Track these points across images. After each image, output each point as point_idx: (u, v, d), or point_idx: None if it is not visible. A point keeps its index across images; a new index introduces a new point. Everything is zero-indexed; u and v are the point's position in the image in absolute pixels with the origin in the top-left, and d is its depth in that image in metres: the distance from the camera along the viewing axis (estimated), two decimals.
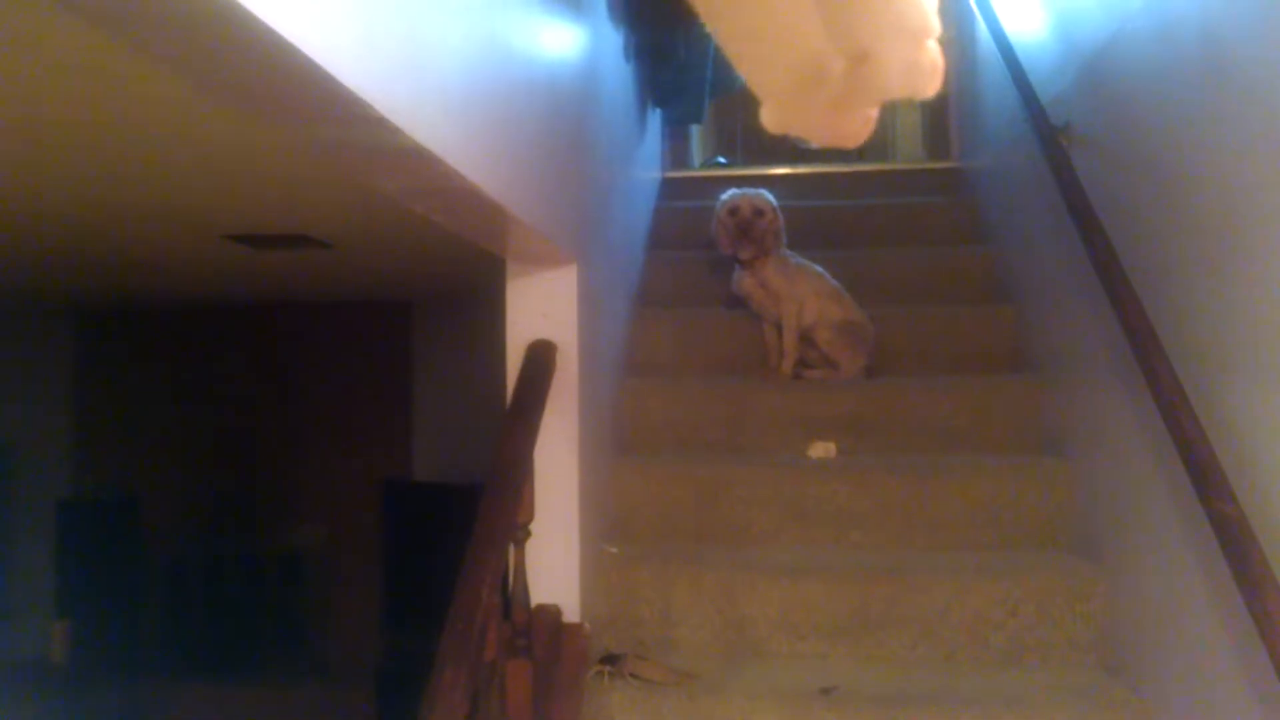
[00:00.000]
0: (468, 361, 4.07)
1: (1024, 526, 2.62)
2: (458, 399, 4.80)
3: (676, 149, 4.74)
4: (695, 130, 4.96)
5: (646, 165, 3.85)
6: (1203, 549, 1.77)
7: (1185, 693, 1.92)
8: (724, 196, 3.24)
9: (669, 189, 4.24)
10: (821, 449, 2.85)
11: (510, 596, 2.05)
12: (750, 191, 3.21)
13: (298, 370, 5.07)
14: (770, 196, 3.22)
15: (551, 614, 2.22)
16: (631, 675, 2.18)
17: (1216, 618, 1.76)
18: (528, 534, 2.09)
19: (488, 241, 2.10)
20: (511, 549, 2.06)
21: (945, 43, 0.57)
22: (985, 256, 3.57)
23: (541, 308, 2.33)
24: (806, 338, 3.16)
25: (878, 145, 5.14)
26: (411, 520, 4.57)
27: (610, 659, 2.24)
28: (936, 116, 4.81)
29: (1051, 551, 2.57)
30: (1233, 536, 1.53)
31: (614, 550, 2.54)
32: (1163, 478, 1.98)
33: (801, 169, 4.53)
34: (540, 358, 2.25)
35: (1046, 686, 2.15)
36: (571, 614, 2.27)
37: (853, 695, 2.13)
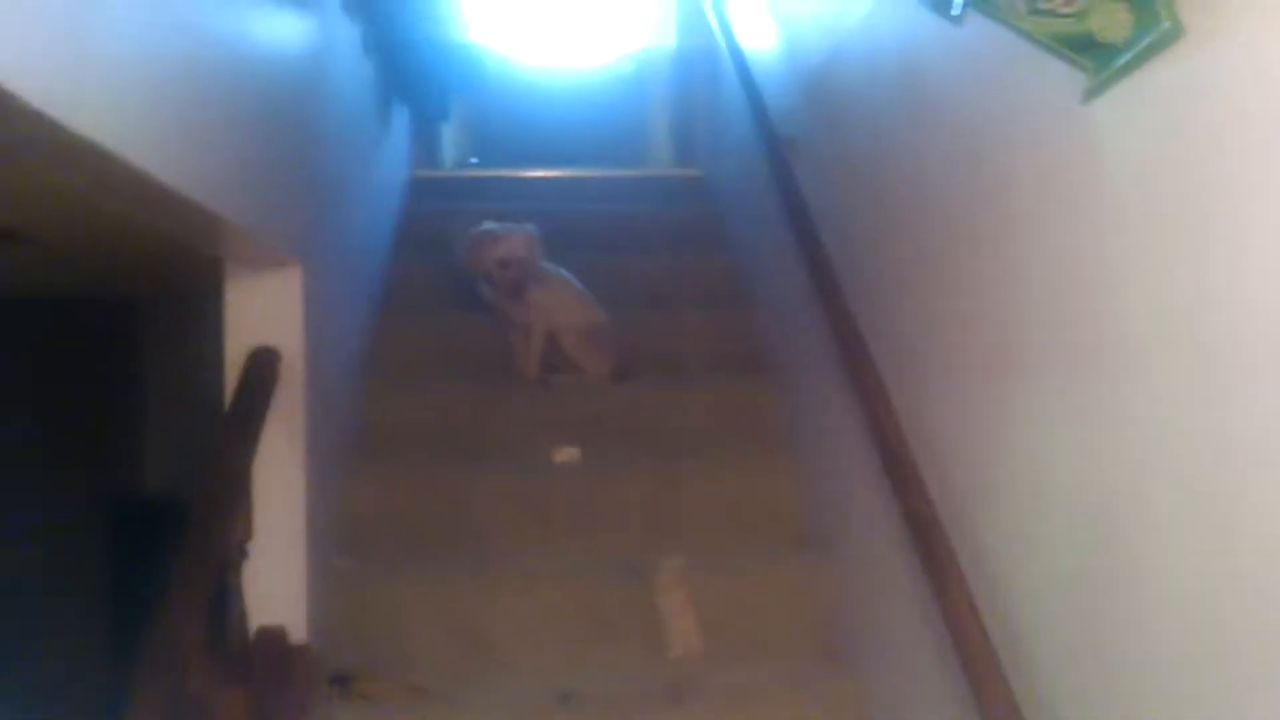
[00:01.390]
0: (200, 368, 3.80)
1: (761, 524, 2.70)
2: (194, 408, 4.47)
3: (427, 149, 4.63)
4: (446, 130, 4.85)
5: (391, 164, 3.73)
6: (904, 543, 1.89)
7: (890, 674, 2.05)
8: (485, 237, 3.10)
9: (418, 189, 4.13)
10: (566, 453, 2.85)
11: (227, 622, 1.93)
12: (513, 235, 3.11)
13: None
14: (531, 229, 3.14)
15: (275, 637, 2.10)
16: (361, 696, 2.10)
17: (915, 606, 1.88)
18: (244, 555, 1.97)
19: (201, 241, 1.96)
20: (230, 571, 1.94)
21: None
22: (728, 262, 3.69)
23: (263, 312, 2.20)
24: (553, 342, 3.16)
25: (631, 149, 5.20)
26: (143, 538, 4.22)
27: (339, 679, 2.15)
28: (684, 124, 4.92)
29: (786, 547, 2.66)
30: (924, 531, 1.65)
31: (343, 564, 2.43)
32: (873, 475, 2.10)
33: (552, 172, 4.52)
34: (262, 365, 2.13)
35: (771, 677, 2.24)
36: (299, 634, 2.16)
37: (590, 699, 2.15)
